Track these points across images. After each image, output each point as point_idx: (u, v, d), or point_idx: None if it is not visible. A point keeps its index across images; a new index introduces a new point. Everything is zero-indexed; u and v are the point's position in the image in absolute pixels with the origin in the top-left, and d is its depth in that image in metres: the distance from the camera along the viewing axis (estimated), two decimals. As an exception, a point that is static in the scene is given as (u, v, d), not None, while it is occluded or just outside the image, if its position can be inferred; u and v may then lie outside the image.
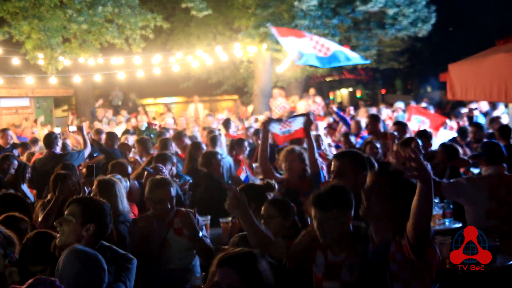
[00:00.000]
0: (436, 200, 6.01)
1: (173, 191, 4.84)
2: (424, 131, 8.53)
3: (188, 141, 9.35)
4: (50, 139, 8.85)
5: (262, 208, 4.38)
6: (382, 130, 9.63)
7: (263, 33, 16.13)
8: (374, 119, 9.58)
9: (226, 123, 12.22)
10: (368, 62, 12.19)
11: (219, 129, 11.88)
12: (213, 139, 9.24)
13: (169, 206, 4.79)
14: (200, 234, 4.64)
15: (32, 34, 12.11)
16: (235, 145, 9.40)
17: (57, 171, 6.51)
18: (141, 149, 8.75)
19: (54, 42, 12.30)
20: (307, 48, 11.14)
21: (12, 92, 18.37)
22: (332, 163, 4.79)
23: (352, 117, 12.81)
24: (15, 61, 14.81)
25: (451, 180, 5.64)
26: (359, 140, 10.13)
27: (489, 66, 7.49)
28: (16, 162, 7.77)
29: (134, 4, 13.53)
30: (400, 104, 16.26)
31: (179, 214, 4.86)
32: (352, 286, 3.35)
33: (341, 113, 12.32)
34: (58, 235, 3.69)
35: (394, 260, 3.22)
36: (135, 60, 16.29)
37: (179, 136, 9.74)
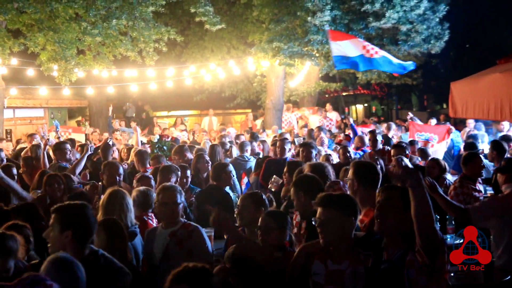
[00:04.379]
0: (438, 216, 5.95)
1: (178, 197, 4.92)
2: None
3: (190, 155, 9.23)
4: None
5: (260, 219, 4.37)
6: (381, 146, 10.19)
7: (276, 47, 16.17)
8: (375, 136, 10.26)
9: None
10: (411, 67, 12.33)
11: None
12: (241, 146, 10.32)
13: (172, 210, 4.86)
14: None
15: (47, 45, 12.24)
16: None
17: None
18: (137, 161, 8.80)
19: (68, 54, 12.42)
20: (355, 50, 11.72)
21: (26, 102, 18.55)
22: None
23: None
24: (30, 72, 15.03)
25: (476, 205, 5.52)
26: (360, 152, 10.28)
27: (487, 85, 7.73)
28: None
29: (148, 17, 13.64)
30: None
31: (185, 226, 4.91)
32: None
33: (355, 126, 12.60)
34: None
35: (412, 266, 3.28)
36: (148, 72, 16.43)
37: (181, 150, 9.45)
